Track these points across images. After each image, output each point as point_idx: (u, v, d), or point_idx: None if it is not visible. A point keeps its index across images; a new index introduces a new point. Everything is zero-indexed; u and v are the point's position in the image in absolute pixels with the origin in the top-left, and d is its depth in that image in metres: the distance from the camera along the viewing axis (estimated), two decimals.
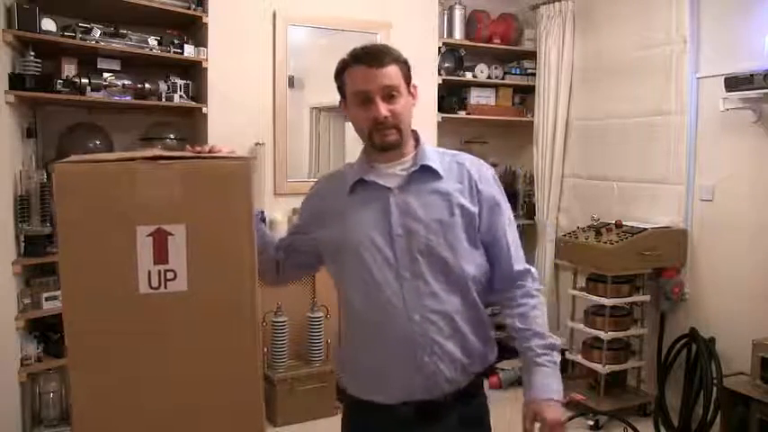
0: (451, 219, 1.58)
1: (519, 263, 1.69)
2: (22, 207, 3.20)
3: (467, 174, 1.63)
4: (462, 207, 1.59)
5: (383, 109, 1.53)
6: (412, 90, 1.61)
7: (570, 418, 3.76)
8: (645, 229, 3.76)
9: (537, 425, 1.56)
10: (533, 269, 1.72)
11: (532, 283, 1.70)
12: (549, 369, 1.59)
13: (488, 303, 1.70)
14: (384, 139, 1.56)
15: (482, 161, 1.72)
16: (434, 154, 1.64)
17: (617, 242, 3.70)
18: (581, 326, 3.97)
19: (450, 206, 1.58)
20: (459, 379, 1.59)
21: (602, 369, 3.79)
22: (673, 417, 3.69)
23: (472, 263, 1.60)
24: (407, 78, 1.59)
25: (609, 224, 3.93)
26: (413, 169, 1.60)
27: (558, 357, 1.63)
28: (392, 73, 1.54)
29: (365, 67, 1.54)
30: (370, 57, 1.54)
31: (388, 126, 1.54)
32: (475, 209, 1.61)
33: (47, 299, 3.25)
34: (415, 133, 1.66)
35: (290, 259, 1.78)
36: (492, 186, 1.66)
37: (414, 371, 1.55)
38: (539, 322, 1.65)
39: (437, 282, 1.56)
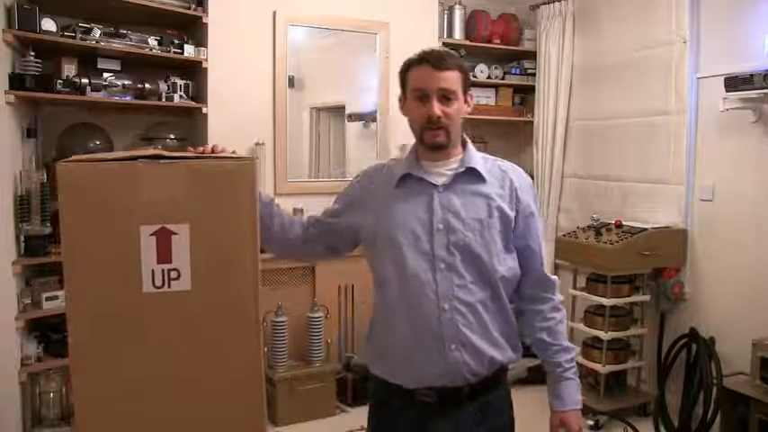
0: (490, 220, 1.67)
1: (548, 270, 1.81)
2: (22, 207, 3.19)
3: (509, 181, 1.73)
4: (501, 210, 1.68)
5: (437, 108, 1.63)
6: (468, 98, 1.72)
7: None
8: (645, 229, 3.76)
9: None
10: (557, 280, 1.84)
11: (557, 295, 1.82)
12: (574, 381, 1.78)
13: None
14: (433, 139, 1.67)
15: (522, 171, 1.82)
16: (480, 159, 1.74)
17: (617, 242, 3.70)
18: (581, 326, 3.97)
19: (489, 208, 1.68)
20: (482, 371, 1.66)
21: (603, 369, 3.79)
22: (673, 417, 3.69)
23: (504, 264, 1.69)
24: (465, 86, 1.69)
25: (609, 224, 3.93)
26: (459, 170, 1.70)
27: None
28: (451, 77, 1.64)
29: (428, 67, 1.64)
30: (434, 59, 1.65)
31: (440, 126, 1.64)
32: (512, 214, 1.70)
33: (47, 299, 3.24)
34: (463, 138, 1.76)
35: (324, 240, 1.84)
36: (530, 197, 1.77)
37: (439, 358, 1.63)
38: (564, 337, 1.80)
39: (469, 275, 1.64)
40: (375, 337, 1.79)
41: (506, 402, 1.79)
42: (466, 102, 1.71)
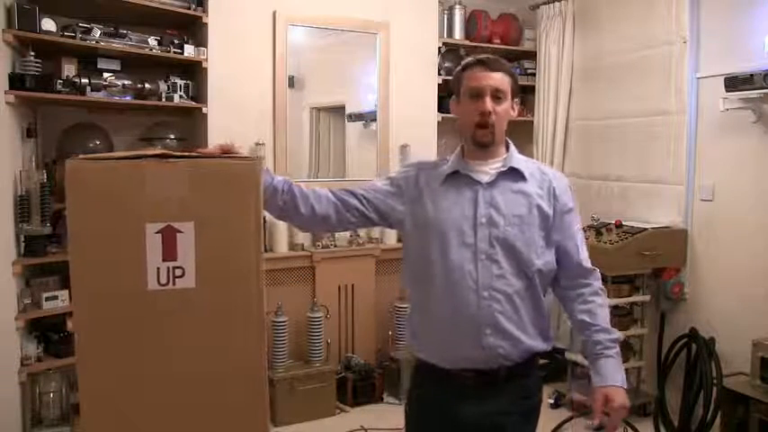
0: (529, 216, 1.80)
1: (586, 261, 1.91)
2: (22, 207, 3.19)
3: (548, 182, 1.86)
4: (540, 208, 1.81)
5: (489, 105, 1.77)
6: (515, 104, 1.85)
7: (570, 418, 3.76)
8: (645, 229, 3.77)
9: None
10: (597, 270, 1.94)
11: (597, 282, 1.92)
12: (615, 360, 1.84)
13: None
14: (481, 138, 1.80)
15: (561, 173, 1.99)
16: (522, 160, 1.87)
17: (617, 242, 3.71)
18: None
19: (529, 205, 1.80)
20: (515, 356, 1.78)
21: None
22: (673, 417, 3.70)
23: (541, 258, 1.81)
24: (513, 92, 1.83)
25: (609, 224, 3.93)
26: (502, 169, 1.83)
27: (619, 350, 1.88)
28: (503, 79, 1.80)
29: (483, 68, 1.80)
30: (488, 62, 1.80)
31: (489, 124, 1.78)
32: (550, 212, 1.83)
33: (47, 299, 3.25)
34: (506, 141, 1.89)
35: (365, 209, 1.88)
36: (567, 196, 1.89)
37: (475, 343, 1.75)
38: (605, 319, 1.88)
39: (508, 266, 1.77)
40: (416, 323, 1.90)
41: (537, 386, 1.92)
42: (512, 107, 1.84)
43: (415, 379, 1.95)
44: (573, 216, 1.89)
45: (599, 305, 1.88)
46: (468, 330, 1.75)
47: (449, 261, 1.77)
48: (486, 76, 1.77)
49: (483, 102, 1.77)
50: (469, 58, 1.85)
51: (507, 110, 1.81)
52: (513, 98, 1.83)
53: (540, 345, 1.83)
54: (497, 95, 1.77)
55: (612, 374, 1.82)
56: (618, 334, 1.87)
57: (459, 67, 1.87)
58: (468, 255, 1.76)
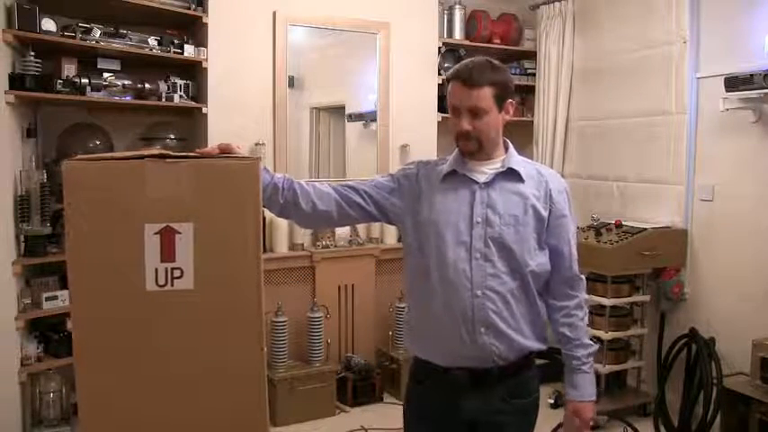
0: (525, 217, 1.80)
1: (577, 269, 1.94)
2: (22, 207, 3.19)
3: (545, 183, 1.86)
4: (535, 209, 1.82)
5: (466, 124, 1.77)
6: (507, 106, 1.82)
7: None
8: (645, 229, 3.77)
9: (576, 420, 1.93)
10: (584, 279, 1.97)
11: (583, 293, 1.96)
12: (589, 375, 1.92)
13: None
14: (464, 148, 1.83)
15: (559, 176, 1.97)
16: (521, 161, 1.88)
17: (617, 242, 3.71)
18: None
19: (525, 206, 1.81)
20: (509, 355, 1.81)
21: (603, 369, 3.79)
22: (673, 417, 3.70)
23: (535, 259, 1.82)
24: (501, 98, 1.79)
25: (609, 224, 3.93)
26: (500, 170, 1.83)
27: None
28: (483, 95, 1.75)
29: (461, 85, 1.76)
30: (467, 77, 1.75)
31: (469, 138, 1.78)
32: (545, 214, 1.83)
33: (47, 299, 3.25)
34: (505, 142, 1.89)
35: (366, 205, 1.90)
36: (564, 200, 1.89)
37: (470, 341, 1.77)
38: (584, 333, 1.94)
39: (502, 266, 1.78)
40: (413, 320, 1.93)
41: (533, 385, 1.92)
42: (504, 110, 1.81)
43: (412, 377, 1.97)
44: (567, 222, 1.89)
45: (580, 318, 1.93)
46: (463, 329, 1.77)
47: (445, 259, 1.78)
48: (463, 95, 1.75)
49: (460, 121, 1.77)
50: (453, 70, 1.82)
51: (491, 122, 1.78)
52: (502, 105, 1.79)
53: (534, 344, 1.85)
54: (476, 112, 1.75)
55: (587, 389, 1.91)
56: (594, 347, 1.94)
57: (447, 75, 1.86)
58: (463, 253, 1.78)
